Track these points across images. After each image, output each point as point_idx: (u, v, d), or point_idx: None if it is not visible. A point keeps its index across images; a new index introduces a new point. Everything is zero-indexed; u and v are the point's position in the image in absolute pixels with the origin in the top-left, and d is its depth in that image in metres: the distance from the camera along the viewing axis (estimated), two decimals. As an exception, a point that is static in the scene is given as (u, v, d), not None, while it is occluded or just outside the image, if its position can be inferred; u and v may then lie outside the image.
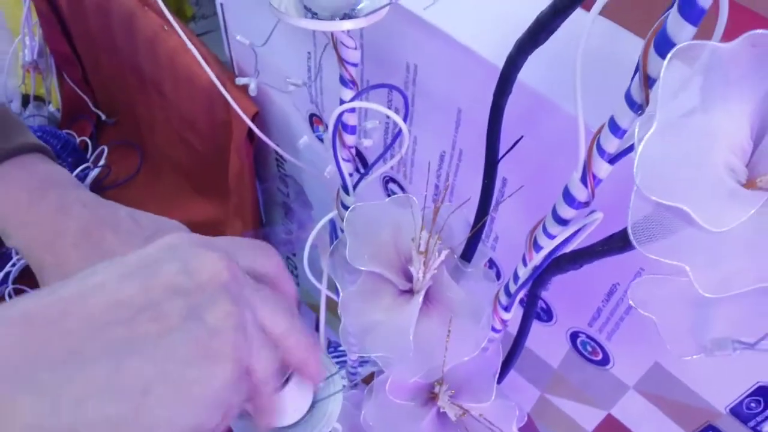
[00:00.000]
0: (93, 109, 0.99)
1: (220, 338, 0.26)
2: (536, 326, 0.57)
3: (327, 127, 0.68)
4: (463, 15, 0.48)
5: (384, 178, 0.64)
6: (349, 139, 0.43)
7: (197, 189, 0.91)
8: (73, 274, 0.37)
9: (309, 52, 0.62)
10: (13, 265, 0.81)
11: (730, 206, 0.24)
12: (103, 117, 1.00)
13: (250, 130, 0.74)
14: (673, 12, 0.24)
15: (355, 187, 0.45)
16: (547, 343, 0.58)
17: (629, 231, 0.23)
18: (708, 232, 0.23)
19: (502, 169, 0.48)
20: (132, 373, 0.24)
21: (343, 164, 0.43)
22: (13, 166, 0.46)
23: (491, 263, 0.56)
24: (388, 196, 0.66)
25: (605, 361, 0.52)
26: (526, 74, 0.38)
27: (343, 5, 0.36)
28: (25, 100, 1.01)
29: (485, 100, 0.37)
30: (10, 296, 0.79)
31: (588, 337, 0.52)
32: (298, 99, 0.68)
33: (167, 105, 0.84)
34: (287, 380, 0.35)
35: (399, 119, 0.39)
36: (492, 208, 0.52)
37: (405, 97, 0.41)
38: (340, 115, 0.40)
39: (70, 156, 0.93)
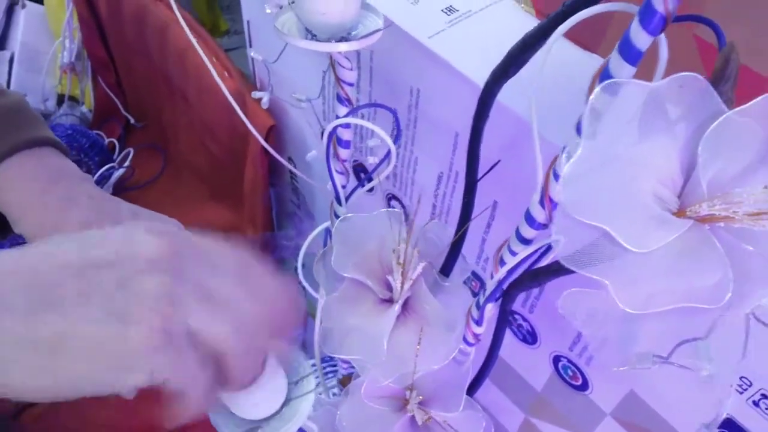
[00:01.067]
0: (123, 112, 1.04)
1: (139, 303, 0.28)
2: (521, 348, 0.58)
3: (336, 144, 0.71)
4: (464, 45, 0.50)
5: (387, 195, 0.67)
6: (343, 153, 0.46)
7: (214, 194, 0.95)
8: None
9: (324, 71, 0.66)
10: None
11: (655, 231, 0.26)
12: (132, 120, 1.04)
13: (266, 141, 0.77)
14: (615, 52, 0.27)
15: (347, 198, 0.48)
16: (532, 365, 0.60)
17: (558, 251, 0.26)
18: (631, 253, 0.25)
19: (493, 193, 0.51)
20: (46, 327, 0.27)
21: (336, 176, 0.46)
22: (28, 157, 0.50)
23: (481, 283, 0.59)
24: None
25: (585, 386, 0.54)
26: (515, 101, 0.41)
27: (340, 29, 0.39)
28: (60, 100, 1.06)
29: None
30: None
31: (569, 361, 0.53)
32: (311, 114, 0.71)
33: (191, 113, 0.88)
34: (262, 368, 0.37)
35: (386, 136, 0.42)
36: (479, 231, 0.54)
37: (396, 116, 0.43)
38: (334, 129, 0.43)
39: (97, 155, 0.98)
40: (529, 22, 0.52)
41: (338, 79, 0.42)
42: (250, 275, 0.36)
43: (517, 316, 0.56)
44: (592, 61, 0.48)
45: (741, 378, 0.38)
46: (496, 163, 0.41)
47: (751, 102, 0.26)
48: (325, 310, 0.45)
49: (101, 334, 0.28)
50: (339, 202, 0.47)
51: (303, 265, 0.55)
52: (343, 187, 0.47)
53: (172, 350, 0.29)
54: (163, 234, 0.31)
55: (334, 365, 0.72)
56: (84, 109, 1.05)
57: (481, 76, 0.48)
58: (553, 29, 0.31)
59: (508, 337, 0.58)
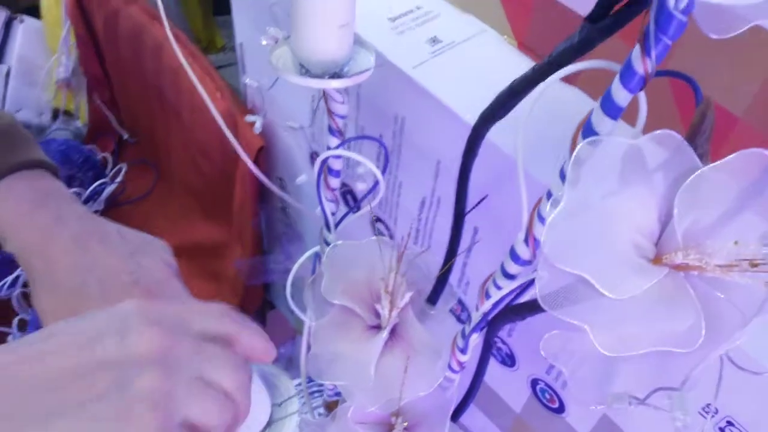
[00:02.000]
0: (117, 128, 1.05)
1: (141, 404, 0.30)
2: (501, 371, 0.60)
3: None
4: (448, 76, 0.52)
5: (372, 217, 0.68)
6: (334, 182, 0.47)
7: (205, 212, 0.96)
8: (62, 279, 0.42)
9: (313, 96, 0.67)
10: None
11: (632, 278, 0.27)
12: (125, 136, 1.05)
13: (256, 161, 0.78)
14: (597, 107, 0.28)
15: (336, 225, 0.49)
16: (511, 387, 0.61)
17: (537, 293, 0.27)
18: (609, 299, 0.26)
19: (474, 220, 0.52)
20: None
21: (326, 204, 0.47)
22: (19, 179, 0.51)
23: (462, 307, 0.60)
24: (374, 233, 0.70)
25: (561, 409, 0.55)
26: (502, 137, 0.42)
27: (333, 65, 0.41)
28: (55, 114, 1.06)
29: (460, 156, 0.41)
30: (18, 300, 0.83)
31: (546, 384, 0.55)
32: (301, 137, 0.73)
33: (184, 130, 0.89)
34: None
35: (375, 168, 0.43)
36: (460, 255, 0.56)
37: (385, 149, 0.45)
38: (325, 160, 0.44)
39: (90, 170, 0.99)
40: (511, 54, 0.54)
41: (330, 112, 0.44)
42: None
43: (496, 339, 0.57)
44: (581, 98, 0.49)
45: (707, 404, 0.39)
46: (483, 198, 0.42)
47: (725, 159, 0.27)
48: (313, 336, 0.46)
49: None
50: (329, 229, 0.48)
51: (292, 287, 0.56)
52: (333, 214, 0.48)
53: None
54: (155, 322, 0.32)
55: (321, 385, 0.73)
56: (78, 123, 1.06)
57: (462, 107, 0.50)
58: (540, 79, 0.32)
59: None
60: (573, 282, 0.27)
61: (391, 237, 0.67)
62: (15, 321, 0.81)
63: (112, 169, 1.01)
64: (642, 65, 0.26)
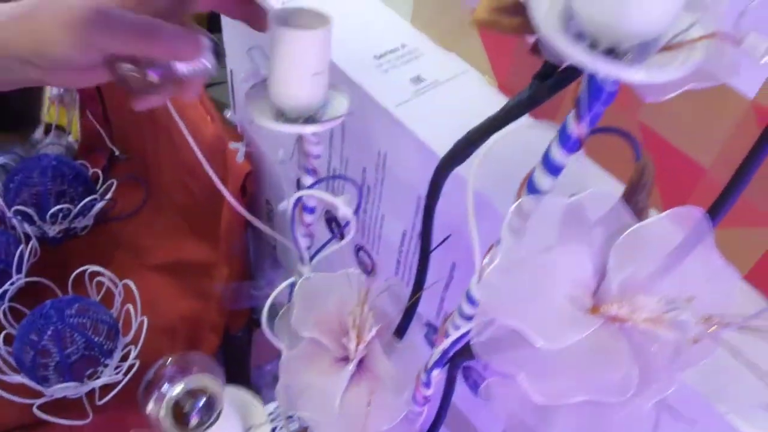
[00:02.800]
0: (109, 144, 1.06)
1: None
2: (478, 403, 0.61)
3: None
4: (429, 115, 0.53)
5: (356, 246, 0.70)
6: (308, 218, 0.48)
7: (193, 231, 0.97)
8: None
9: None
10: (12, 284, 0.87)
11: (567, 329, 0.29)
12: (117, 152, 1.07)
13: (243, 185, 0.80)
14: (539, 165, 0.30)
15: (311, 258, 0.50)
16: (487, 419, 0.62)
17: (472, 343, 0.28)
18: (543, 350, 0.28)
19: (452, 255, 0.53)
20: None
21: (300, 239, 0.49)
22: None
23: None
24: (358, 262, 0.71)
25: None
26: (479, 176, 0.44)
27: (307, 110, 0.42)
28: (48, 128, 1.08)
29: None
30: (5, 314, 0.84)
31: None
32: (289, 164, 0.74)
33: (174, 150, 0.91)
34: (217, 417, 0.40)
35: (347, 209, 0.45)
36: (439, 290, 0.57)
37: (359, 190, 0.46)
38: (298, 199, 0.46)
39: (80, 186, 1.00)
40: (491, 95, 0.56)
41: (305, 152, 0.45)
42: None
43: (473, 371, 0.59)
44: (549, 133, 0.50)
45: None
46: (446, 238, 0.43)
47: (656, 217, 0.29)
48: (283, 367, 0.47)
49: None
50: (303, 263, 0.50)
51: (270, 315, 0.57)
52: (308, 247, 0.50)
53: None
54: None
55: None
56: (70, 139, 1.07)
57: (441, 146, 0.51)
58: (495, 129, 0.34)
59: (465, 390, 0.61)
60: (510, 330, 0.28)
61: (374, 266, 0.69)
62: (1, 336, 0.83)
63: (102, 185, 1.02)
64: (576, 129, 0.27)
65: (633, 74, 0.22)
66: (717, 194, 0.29)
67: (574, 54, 0.22)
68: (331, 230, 0.72)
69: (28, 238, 0.93)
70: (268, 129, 0.41)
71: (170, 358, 0.48)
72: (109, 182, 1.02)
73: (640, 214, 0.31)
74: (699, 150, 0.45)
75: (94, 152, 1.07)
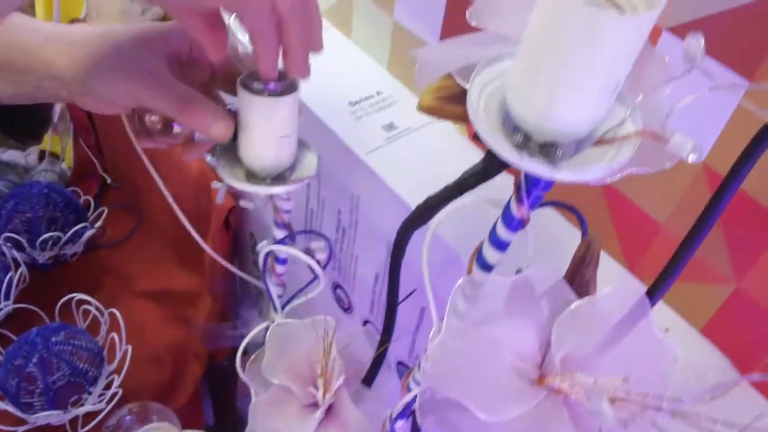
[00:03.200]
0: (101, 172, 1.08)
1: None
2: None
3: (292, 228, 0.75)
4: (400, 163, 0.55)
5: (333, 284, 0.71)
6: (280, 268, 0.49)
7: (180, 260, 0.98)
8: None
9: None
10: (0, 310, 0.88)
11: (511, 401, 0.30)
12: (109, 180, 1.08)
13: (227, 219, 0.81)
14: (486, 240, 0.31)
15: (283, 307, 0.51)
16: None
17: (416, 411, 0.29)
18: (487, 421, 0.29)
19: (421, 301, 0.54)
20: None
21: (272, 288, 0.50)
22: None
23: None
24: (336, 299, 0.72)
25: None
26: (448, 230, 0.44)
27: (275, 169, 0.43)
28: (41, 155, 1.09)
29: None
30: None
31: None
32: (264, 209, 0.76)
33: (163, 180, 0.92)
34: None
35: (316, 266, 0.46)
36: (410, 334, 0.58)
37: (330, 245, 0.47)
38: (268, 253, 0.47)
39: (71, 213, 1.01)
40: (462, 145, 0.57)
41: (276, 207, 0.46)
42: None
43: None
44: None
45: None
46: (412, 292, 0.44)
47: (601, 294, 0.30)
48: (252, 412, 0.48)
49: None
50: (275, 310, 0.51)
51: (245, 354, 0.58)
52: (280, 296, 0.51)
53: None
54: None
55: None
56: (63, 166, 1.09)
57: (409, 194, 0.52)
58: (451, 198, 0.35)
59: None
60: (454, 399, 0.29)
61: (350, 304, 0.70)
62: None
63: (93, 213, 1.03)
64: (518, 211, 0.28)
65: (554, 173, 0.23)
66: (672, 248, 0.30)
67: (500, 151, 0.23)
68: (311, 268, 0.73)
69: (17, 264, 0.94)
70: (238, 187, 0.43)
71: (130, 406, 0.49)
72: (100, 210, 1.03)
73: (586, 286, 0.32)
74: (656, 207, 0.46)
75: (86, 180, 1.09)
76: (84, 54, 0.40)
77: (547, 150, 0.25)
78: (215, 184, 0.70)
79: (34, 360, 0.81)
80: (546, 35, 0.21)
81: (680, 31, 0.40)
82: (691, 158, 0.24)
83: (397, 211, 0.53)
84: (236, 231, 0.85)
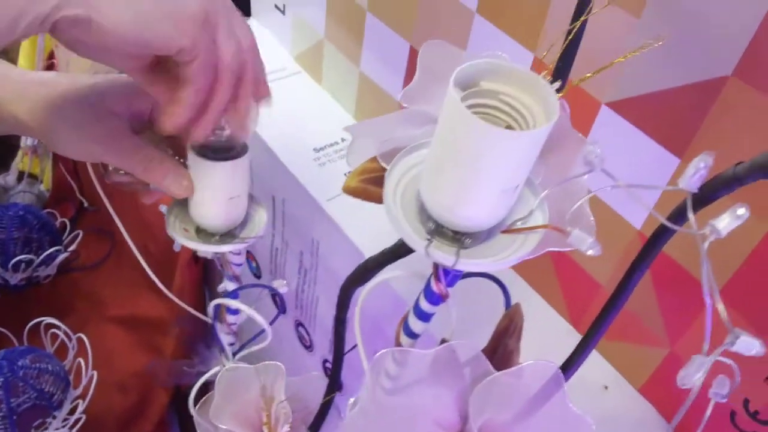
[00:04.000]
0: (78, 195, 1.08)
1: None
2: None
3: (258, 262, 0.76)
4: (358, 212, 0.56)
5: (296, 321, 0.72)
6: (231, 318, 0.50)
7: (152, 287, 0.99)
8: None
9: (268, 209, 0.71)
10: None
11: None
12: (86, 204, 1.09)
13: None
14: (411, 311, 0.32)
15: (235, 354, 0.52)
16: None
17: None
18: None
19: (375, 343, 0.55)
20: None
21: (223, 337, 0.51)
22: None
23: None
24: (298, 337, 0.73)
25: None
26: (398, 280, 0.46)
27: (225, 227, 0.44)
28: (20, 176, 1.10)
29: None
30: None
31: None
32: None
33: (136, 209, 0.93)
34: None
35: (262, 320, 0.47)
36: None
37: (281, 299, 0.48)
38: (217, 306, 0.48)
39: (47, 235, 1.02)
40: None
41: (227, 262, 0.47)
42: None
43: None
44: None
45: None
46: (353, 347, 0.45)
47: (517, 367, 0.31)
48: (199, 456, 0.48)
49: None
50: (226, 357, 0.52)
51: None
52: (231, 344, 0.52)
53: (207, 35, 0.34)
54: None
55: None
56: (42, 188, 1.10)
57: (365, 243, 0.54)
58: (387, 263, 0.36)
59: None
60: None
61: (311, 343, 0.71)
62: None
63: (68, 235, 1.04)
64: (437, 287, 0.29)
65: (454, 263, 0.24)
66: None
67: (407, 238, 0.25)
68: (276, 304, 0.74)
69: (-12, 285, 0.94)
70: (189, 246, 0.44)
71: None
72: (75, 233, 1.04)
73: (509, 356, 0.33)
74: (598, 270, 0.48)
75: (63, 202, 1.09)
76: (49, 114, 0.41)
77: (459, 237, 0.26)
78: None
79: (-1, 383, 0.82)
80: (448, 142, 0.23)
81: (617, 106, 0.41)
82: (590, 253, 0.25)
83: (353, 258, 0.55)
84: (206, 261, 0.86)
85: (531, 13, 0.43)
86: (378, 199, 0.28)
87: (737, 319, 0.41)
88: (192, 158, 0.40)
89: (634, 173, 0.42)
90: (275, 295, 0.73)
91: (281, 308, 0.49)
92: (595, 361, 0.51)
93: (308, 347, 0.72)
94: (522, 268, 0.54)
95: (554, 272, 0.51)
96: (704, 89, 0.37)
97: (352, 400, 0.30)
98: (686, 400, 0.24)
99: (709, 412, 0.26)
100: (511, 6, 0.44)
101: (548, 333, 0.51)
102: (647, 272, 0.44)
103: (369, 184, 0.29)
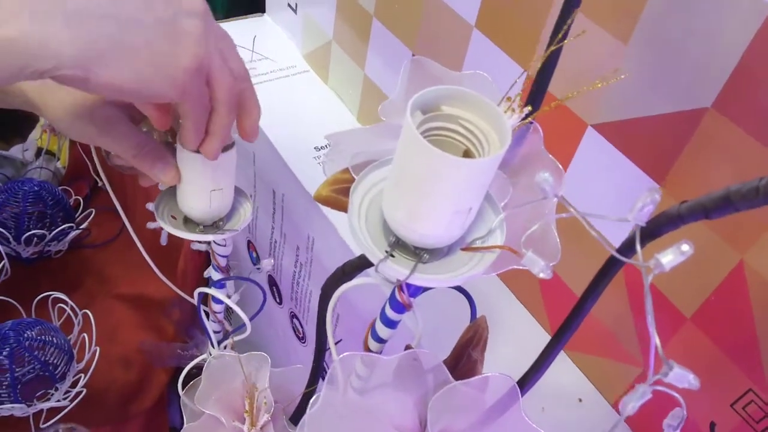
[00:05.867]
0: (93, 174, 1.11)
1: (188, 37, 0.35)
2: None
3: (258, 252, 0.78)
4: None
5: (290, 312, 0.73)
6: (217, 307, 0.52)
7: (159, 268, 1.01)
8: None
9: (251, 194, 0.73)
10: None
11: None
12: (100, 183, 1.11)
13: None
14: (378, 319, 0.33)
15: (219, 343, 0.54)
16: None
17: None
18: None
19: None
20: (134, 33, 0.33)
21: (209, 324, 0.52)
22: None
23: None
24: (293, 328, 0.75)
25: None
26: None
27: (210, 218, 0.46)
28: (38, 152, 1.13)
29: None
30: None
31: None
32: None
33: (146, 192, 0.95)
34: None
35: (242, 314, 0.48)
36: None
37: (264, 296, 0.50)
38: (201, 295, 0.50)
39: (60, 211, 1.04)
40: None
41: (213, 252, 0.49)
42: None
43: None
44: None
45: None
46: (338, 341, 0.47)
47: (474, 377, 0.32)
48: (181, 439, 0.50)
49: (158, 47, 0.34)
50: (213, 346, 0.53)
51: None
52: (217, 332, 0.53)
53: (200, 81, 0.36)
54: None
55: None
56: (58, 164, 1.12)
57: (354, 244, 0.55)
58: (364, 267, 0.37)
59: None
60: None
61: (305, 335, 0.72)
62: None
63: (81, 213, 1.07)
64: (400, 297, 0.31)
65: (407, 277, 0.26)
66: (590, 323, 0.32)
67: (365, 250, 0.26)
68: (272, 290, 0.76)
69: (0, 257, 0.97)
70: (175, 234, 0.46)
71: (61, 427, 0.51)
72: (88, 211, 1.07)
73: (473, 366, 0.35)
74: (578, 285, 0.49)
75: (79, 180, 1.12)
76: (50, 91, 0.43)
77: (418, 252, 0.27)
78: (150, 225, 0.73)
79: (5, 353, 0.84)
80: (404, 162, 0.24)
81: (602, 128, 0.42)
82: (541, 276, 0.26)
83: (345, 257, 0.56)
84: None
85: (526, 31, 0.44)
86: (346, 209, 0.29)
87: (707, 345, 0.42)
88: (180, 150, 0.42)
89: (616, 195, 0.43)
90: (272, 283, 0.75)
91: (262, 305, 0.50)
92: (571, 374, 0.52)
93: (301, 339, 0.74)
94: (511, 281, 0.55)
95: (539, 288, 0.52)
96: (685, 119, 0.37)
97: (315, 396, 0.32)
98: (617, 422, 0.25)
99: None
100: (508, 23, 0.45)
101: (530, 346, 0.52)
102: (624, 293, 0.45)
103: (340, 194, 0.30)
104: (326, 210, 0.57)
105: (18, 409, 0.85)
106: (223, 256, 0.50)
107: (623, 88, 0.40)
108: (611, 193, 0.43)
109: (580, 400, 0.50)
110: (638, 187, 0.41)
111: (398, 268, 0.26)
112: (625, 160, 0.41)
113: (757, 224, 0.37)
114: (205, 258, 0.93)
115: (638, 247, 0.25)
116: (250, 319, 0.50)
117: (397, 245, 0.27)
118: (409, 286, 0.30)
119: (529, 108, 0.29)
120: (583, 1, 0.40)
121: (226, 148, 0.43)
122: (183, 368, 0.98)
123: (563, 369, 0.52)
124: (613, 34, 0.39)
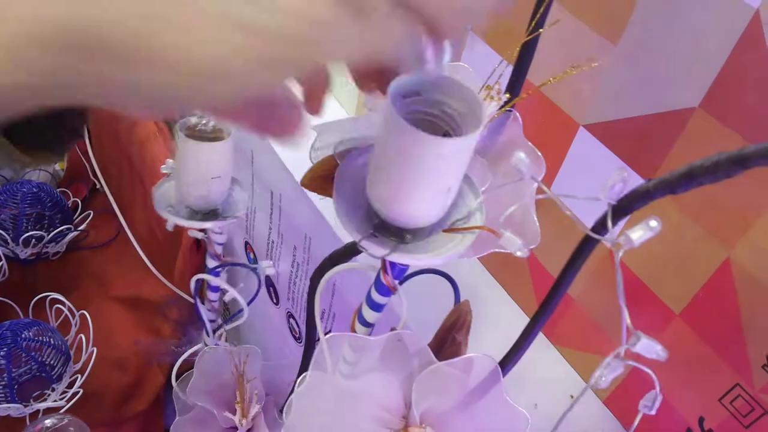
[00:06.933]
0: (91, 176, 1.12)
1: None
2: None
3: (255, 253, 0.79)
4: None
5: (287, 312, 0.74)
6: (213, 295, 0.53)
7: (157, 270, 1.02)
8: None
9: (250, 195, 0.74)
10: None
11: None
12: (98, 186, 1.12)
13: (198, 241, 0.85)
14: (364, 302, 0.34)
15: (215, 331, 0.55)
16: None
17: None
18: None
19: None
20: None
21: (204, 313, 0.53)
22: None
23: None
24: (289, 329, 0.76)
25: None
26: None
27: (208, 206, 0.47)
28: (38, 155, 1.14)
29: (351, 279, 0.47)
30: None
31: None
32: (238, 228, 0.79)
33: (145, 195, 0.96)
34: None
35: (239, 297, 0.49)
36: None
37: (259, 282, 0.51)
38: (198, 281, 0.51)
39: (59, 213, 1.05)
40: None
41: (209, 240, 0.50)
42: None
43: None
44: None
45: None
46: (328, 332, 0.47)
47: (458, 358, 0.33)
48: (173, 430, 0.51)
49: None
50: (208, 335, 0.54)
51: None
52: (212, 321, 0.54)
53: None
54: None
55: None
56: (57, 167, 1.13)
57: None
58: (350, 255, 0.38)
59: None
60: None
61: (300, 334, 0.73)
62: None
63: (79, 215, 1.08)
64: (385, 280, 0.31)
65: (387, 255, 0.27)
66: (581, 318, 0.32)
67: (349, 231, 0.27)
68: (269, 292, 0.77)
69: (-2, 258, 0.98)
70: (175, 222, 0.46)
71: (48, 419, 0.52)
72: (86, 213, 1.08)
73: (457, 348, 0.35)
74: (559, 270, 0.50)
75: (77, 182, 1.13)
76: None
77: (401, 233, 0.28)
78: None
79: (2, 353, 0.85)
80: (386, 145, 0.25)
81: (594, 128, 0.43)
82: (519, 254, 0.27)
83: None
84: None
85: (506, 23, 0.45)
86: (331, 195, 0.30)
87: (695, 341, 0.43)
88: (181, 139, 0.43)
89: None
90: (269, 283, 0.75)
91: (255, 294, 0.51)
92: (563, 370, 0.52)
93: (298, 339, 0.74)
94: (502, 277, 0.56)
95: (531, 283, 0.53)
96: (673, 118, 0.39)
97: (301, 376, 0.33)
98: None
99: (637, 422, 0.28)
100: (501, 26, 0.47)
101: (512, 331, 0.53)
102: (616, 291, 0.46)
103: (324, 180, 0.31)
104: (323, 210, 0.58)
105: (14, 410, 0.85)
106: (220, 244, 0.51)
107: (614, 90, 0.41)
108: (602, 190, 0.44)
109: (572, 397, 0.51)
110: (628, 185, 0.42)
111: (378, 248, 0.27)
112: (616, 158, 0.42)
113: (743, 220, 0.38)
114: (202, 259, 0.94)
115: (609, 223, 0.25)
116: (248, 304, 0.50)
117: (381, 228, 0.28)
118: (393, 267, 0.31)
119: (508, 95, 0.30)
120: (574, 3, 0.41)
121: (224, 137, 0.44)
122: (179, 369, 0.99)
123: (555, 365, 0.52)
124: (603, 35, 0.40)
